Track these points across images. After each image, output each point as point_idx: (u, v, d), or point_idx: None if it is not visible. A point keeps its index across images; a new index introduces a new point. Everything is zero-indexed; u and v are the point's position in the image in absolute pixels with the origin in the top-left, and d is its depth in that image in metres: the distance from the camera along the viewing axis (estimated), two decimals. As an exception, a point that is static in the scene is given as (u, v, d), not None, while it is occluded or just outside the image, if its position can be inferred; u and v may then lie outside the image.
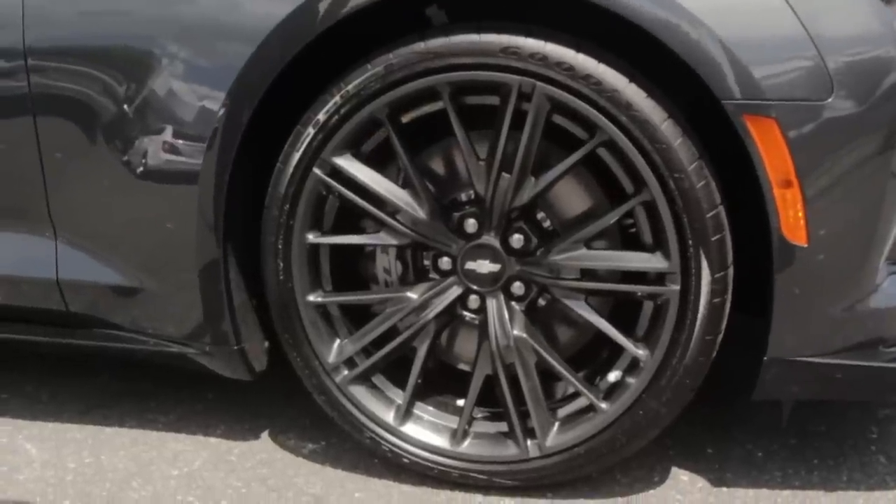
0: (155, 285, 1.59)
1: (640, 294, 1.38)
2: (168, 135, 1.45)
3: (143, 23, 1.45)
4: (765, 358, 1.33)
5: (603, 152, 1.35)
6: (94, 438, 1.76)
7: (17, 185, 1.61)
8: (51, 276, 1.66)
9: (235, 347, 1.56)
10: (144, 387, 1.96)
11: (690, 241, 1.28)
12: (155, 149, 1.46)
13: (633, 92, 1.27)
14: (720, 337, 1.35)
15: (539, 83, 1.29)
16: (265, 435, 1.75)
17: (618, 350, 1.42)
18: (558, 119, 1.35)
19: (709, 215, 1.28)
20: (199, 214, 1.47)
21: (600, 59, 1.27)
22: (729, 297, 1.33)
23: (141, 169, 1.49)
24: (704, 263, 1.29)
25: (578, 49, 1.28)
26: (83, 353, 1.76)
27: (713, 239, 1.28)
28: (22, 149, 1.57)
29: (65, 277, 1.65)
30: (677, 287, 1.32)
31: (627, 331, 1.40)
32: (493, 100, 1.36)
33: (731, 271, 1.32)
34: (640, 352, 1.37)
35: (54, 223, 1.63)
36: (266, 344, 1.63)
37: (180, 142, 1.45)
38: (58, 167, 1.57)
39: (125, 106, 1.47)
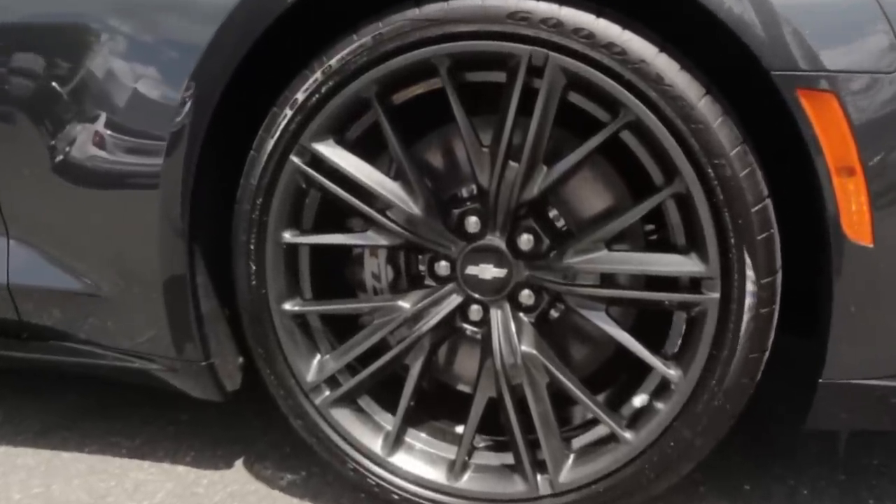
0: (114, 291, 1.40)
1: (670, 303, 1.17)
2: (125, 123, 1.28)
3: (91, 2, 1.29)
4: (819, 381, 1.12)
5: (627, 136, 1.15)
6: (47, 465, 1.57)
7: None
8: (1, 280, 1.48)
9: (203, 363, 1.37)
10: (113, 405, 1.79)
11: (732, 241, 1.08)
12: (110, 137, 1.29)
13: (663, 63, 1.07)
14: (766, 355, 1.14)
15: (552, 53, 1.10)
16: (239, 463, 1.55)
17: (644, 370, 1.22)
18: (574, 98, 1.16)
19: (754, 209, 1.08)
20: (161, 209, 1.29)
21: (625, 25, 1.08)
22: (777, 307, 1.13)
23: (95, 160, 1.31)
24: (749, 267, 1.09)
25: (599, 14, 1.08)
26: (37, 367, 1.57)
27: (759, 238, 1.08)
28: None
29: (17, 282, 1.47)
30: (716, 295, 1.11)
31: (655, 347, 1.20)
32: (499, 76, 1.17)
33: (779, 277, 1.11)
34: (672, 372, 1.16)
35: (5, 219, 1.44)
36: (240, 360, 1.43)
37: (139, 131, 1.28)
38: (8, 157, 1.40)
39: (75, 92, 1.30)
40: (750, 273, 1.09)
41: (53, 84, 1.32)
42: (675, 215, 1.15)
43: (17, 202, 1.42)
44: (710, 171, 1.07)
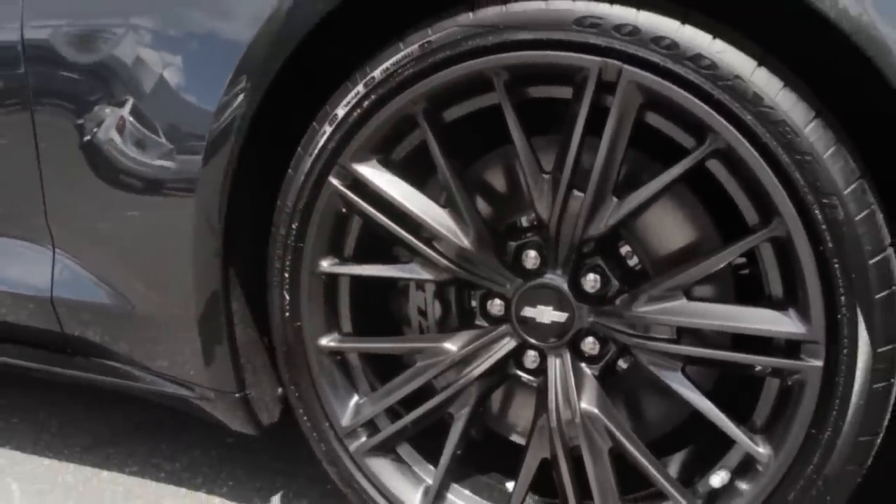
0: (149, 311, 1.32)
1: (761, 368, 0.98)
2: (157, 133, 1.19)
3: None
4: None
5: (716, 166, 0.96)
6: (85, 485, 1.52)
7: (14, 186, 1.38)
8: (45, 293, 1.43)
9: (237, 395, 1.27)
10: (164, 421, 1.73)
11: (843, 299, 0.88)
12: (143, 149, 1.20)
13: (763, 80, 0.89)
14: (880, 437, 0.93)
15: (627, 66, 0.93)
16: (276, 500, 1.45)
17: (726, 440, 1.02)
18: (653, 119, 0.98)
19: (872, 261, 0.88)
20: (195, 231, 1.19)
21: (716, 32, 0.90)
22: (896, 381, 0.92)
23: (130, 172, 1.23)
24: (863, 331, 0.89)
25: (685, 19, 0.90)
26: (78, 384, 1.52)
27: (878, 296, 0.88)
28: (19, 146, 1.33)
29: (59, 295, 1.42)
30: (819, 363, 0.92)
31: (741, 416, 1.01)
32: (565, 92, 1.00)
33: (902, 344, 0.91)
34: (760, 449, 0.98)
35: (52, 232, 1.39)
36: (279, 391, 1.32)
37: (172, 143, 1.18)
38: (55, 167, 1.34)
39: (114, 98, 1.21)
40: (863, 339, 0.89)
41: (94, 86, 1.24)
42: (772, 263, 0.96)
43: (64, 213, 1.35)
44: (817, 212, 0.88)
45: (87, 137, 1.26)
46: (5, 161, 1.37)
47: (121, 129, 1.23)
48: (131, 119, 1.22)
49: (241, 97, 1.10)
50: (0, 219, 1.42)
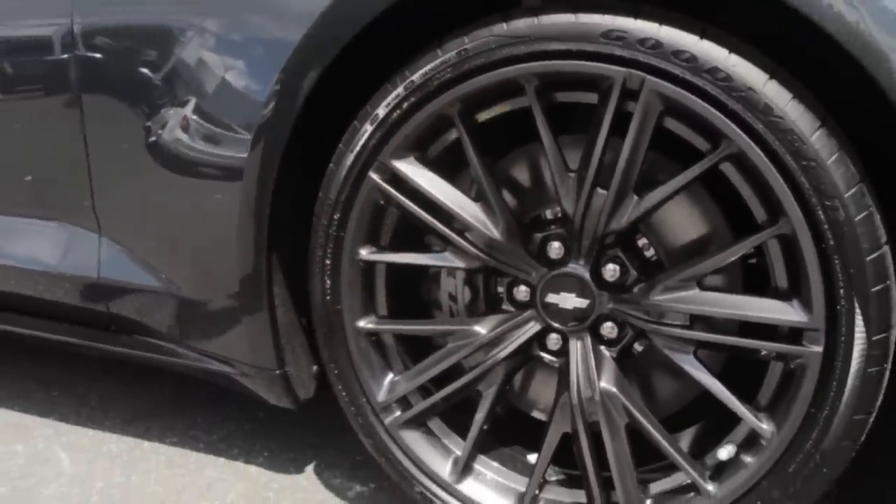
0: (194, 294, 1.41)
1: (766, 353, 1.08)
2: (206, 121, 1.27)
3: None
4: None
5: (728, 169, 1.05)
6: (129, 454, 1.62)
7: (63, 173, 1.47)
8: (93, 274, 1.52)
9: (277, 372, 1.37)
10: (198, 397, 1.83)
11: (842, 291, 0.98)
12: (192, 137, 1.28)
13: (773, 91, 0.97)
14: (873, 416, 1.03)
15: (649, 77, 1.01)
16: (310, 469, 1.56)
17: (734, 417, 1.12)
18: (671, 124, 1.07)
19: (870, 258, 0.97)
20: (240, 217, 1.28)
21: (731, 47, 0.98)
22: (888, 366, 1.01)
23: (178, 159, 1.31)
24: (859, 321, 0.98)
25: (703, 34, 0.99)
26: (121, 360, 1.62)
27: (874, 290, 0.97)
28: (67, 135, 1.42)
29: (106, 276, 1.51)
30: (819, 349, 1.01)
31: (747, 396, 1.11)
32: (590, 97, 1.09)
33: (894, 334, 1.00)
34: (763, 426, 1.07)
35: (98, 217, 1.48)
36: (315, 369, 1.43)
37: (220, 131, 1.26)
38: (101, 154, 1.42)
39: (163, 88, 1.29)
40: (860, 328, 0.98)
41: (144, 77, 1.32)
42: (778, 257, 1.05)
43: (110, 199, 1.44)
44: (820, 213, 0.97)
45: (134, 127, 1.34)
46: (54, 149, 1.46)
47: (168, 119, 1.31)
48: (179, 109, 1.30)
49: (288, 91, 1.18)
50: (49, 204, 1.51)
